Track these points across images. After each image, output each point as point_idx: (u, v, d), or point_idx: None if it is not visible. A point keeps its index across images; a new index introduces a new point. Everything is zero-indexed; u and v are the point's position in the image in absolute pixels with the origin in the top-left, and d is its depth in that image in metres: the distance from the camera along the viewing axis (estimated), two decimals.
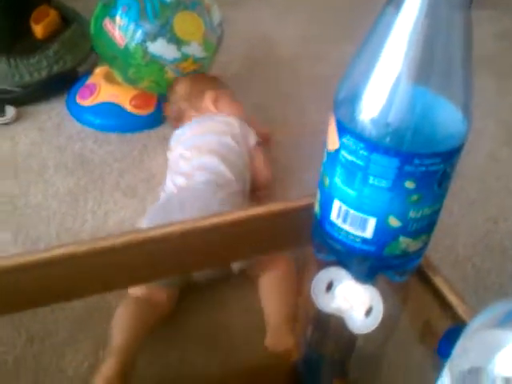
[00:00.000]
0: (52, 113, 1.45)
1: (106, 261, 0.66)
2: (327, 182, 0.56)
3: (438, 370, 0.40)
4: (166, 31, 1.27)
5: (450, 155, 0.51)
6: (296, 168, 1.28)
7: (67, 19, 1.60)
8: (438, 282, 0.63)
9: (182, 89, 1.30)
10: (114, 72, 1.40)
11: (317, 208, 0.60)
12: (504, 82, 1.71)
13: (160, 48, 1.27)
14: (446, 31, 0.47)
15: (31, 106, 1.46)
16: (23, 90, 1.45)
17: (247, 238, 0.72)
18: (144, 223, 0.96)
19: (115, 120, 1.39)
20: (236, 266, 0.88)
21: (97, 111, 1.40)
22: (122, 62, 1.32)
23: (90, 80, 1.46)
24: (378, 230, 0.54)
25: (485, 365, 0.35)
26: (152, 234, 0.68)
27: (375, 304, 0.58)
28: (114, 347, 0.74)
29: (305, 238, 0.64)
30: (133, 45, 1.27)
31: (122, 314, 0.82)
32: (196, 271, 0.88)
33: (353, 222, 0.55)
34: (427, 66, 0.48)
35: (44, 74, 1.46)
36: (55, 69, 1.48)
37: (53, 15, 1.55)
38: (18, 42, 1.48)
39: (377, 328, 0.58)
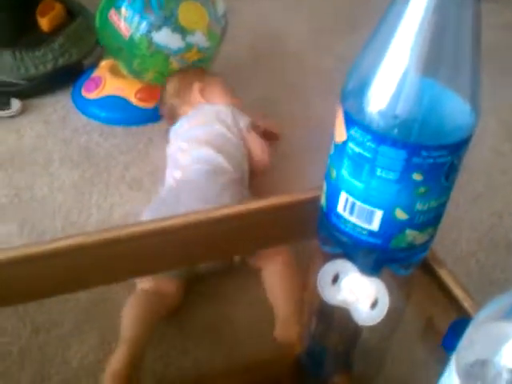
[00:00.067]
0: (57, 106, 1.45)
1: (112, 252, 0.66)
2: (334, 174, 0.56)
3: (442, 363, 0.40)
4: (170, 21, 1.27)
5: (458, 147, 0.51)
6: (302, 160, 1.28)
7: (72, 12, 1.60)
8: (444, 275, 0.63)
9: (171, 86, 1.31)
10: (120, 64, 1.40)
11: (323, 200, 0.60)
12: (507, 74, 1.70)
13: (164, 37, 1.28)
14: (456, 23, 0.47)
15: (36, 98, 1.46)
16: (28, 83, 1.45)
17: (253, 230, 0.72)
18: (144, 219, 0.97)
19: (120, 113, 1.40)
20: (237, 256, 0.88)
21: (102, 104, 1.41)
22: (127, 53, 1.32)
23: (96, 73, 1.46)
24: (384, 222, 0.54)
25: (491, 357, 0.35)
26: (157, 225, 0.68)
27: (381, 296, 0.58)
28: (123, 339, 0.75)
29: (311, 231, 0.64)
30: (138, 36, 1.27)
31: (132, 306, 0.82)
32: (201, 263, 0.88)
33: (359, 214, 0.55)
34: (436, 58, 0.48)
35: (49, 66, 1.46)
36: (60, 62, 1.48)
37: (58, 8, 1.55)
38: (24, 35, 1.48)
39: (382, 320, 0.58)
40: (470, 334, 0.37)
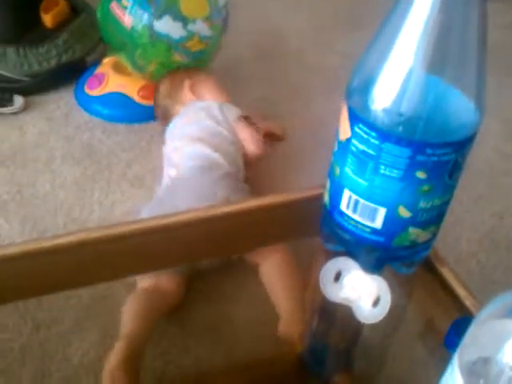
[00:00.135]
0: (60, 102, 1.45)
1: (113, 249, 0.66)
2: (338, 171, 0.56)
3: (443, 361, 0.40)
4: (171, 10, 1.27)
5: (462, 145, 0.51)
6: (304, 159, 1.28)
7: (76, 9, 1.60)
8: (446, 273, 0.63)
9: (163, 88, 1.31)
10: (122, 60, 1.40)
11: (326, 198, 0.60)
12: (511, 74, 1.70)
13: (166, 26, 1.27)
14: (462, 22, 0.47)
15: (39, 95, 1.46)
16: (32, 80, 1.45)
17: (255, 228, 0.72)
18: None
19: (123, 110, 1.39)
20: None
21: (105, 101, 1.40)
22: (129, 44, 1.32)
23: (99, 70, 1.46)
24: (387, 220, 0.54)
25: (493, 354, 0.35)
26: (159, 223, 0.68)
27: (383, 294, 0.58)
28: (122, 335, 0.75)
29: (313, 229, 0.64)
30: (140, 26, 1.27)
31: (132, 303, 0.82)
32: (203, 260, 0.88)
33: (363, 211, 0.55)
34: (441, 56, 0.48)
35: (53, 63, 1.46)
36: (64, 58, 1.48)
37: (62, 5, 1.55)
38: (27, 32, 1.48)
39: (383, 319, 0.58)
40: (473, 332, 0.37)
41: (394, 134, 0.49)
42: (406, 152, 0.50)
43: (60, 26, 1.52)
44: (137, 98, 1.39)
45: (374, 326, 0.59)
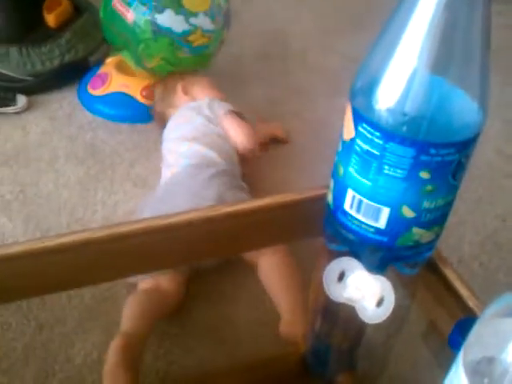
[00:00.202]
0: (63, 102, 1.45)
1: (116, 249, 0.66)
2: (341, 171, 0.56)
3: (447, 361, 0.40)
4: (173, 4, 1.27)
5: (466, 145, 0.51)
6: (305, 159, 1.28)
7: (79, 8, 1.60)
8: (449, 274, 0.63)
9: (157, 92, 1.33)
10: (125, 58, 1.40)
11: (330, 198, 0.60)
12: None
13: (168, 19, 1.28)
14: (465, 22, 0.47)
15: (42, 95, 1.46)
16: (35, 79, 1.45)
17: (257, 228, 0.72)
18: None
19: (126, 110, 1.40)
20: None
21: (108, 101, 1.41)
22: (131, 40, 1.32)
23: (102, 69, 1.47)
24: (391, 220, 0.54)
25: (498, 354, 0.35)
26: (161, 223, 0.68)
27: (386, 294, 0.58)
28: (121, 332, 0.75)
29: (317, 229, 0.64)
30: (142, 20, 1.28)
31: (132, 303, 0.82)
32: (205, 260, 0.88)
33: (366, 211, 0.55)
34: (445, 57, 0.48)
35: (56, 62, 1.47)
36: (67, 58, 1.48)
37: (65, 4, 1.56)
38: (30, 31, 1.48)
39: (387, 319, 0.58)
40: (477, 332, 0.37)
41: (398, 133, 0.49)
42: (409, 152, 0.50)
43: (63, 25, 1.52)
44: (140, 98, 1.39)
45: (377, 326, 0.59)
